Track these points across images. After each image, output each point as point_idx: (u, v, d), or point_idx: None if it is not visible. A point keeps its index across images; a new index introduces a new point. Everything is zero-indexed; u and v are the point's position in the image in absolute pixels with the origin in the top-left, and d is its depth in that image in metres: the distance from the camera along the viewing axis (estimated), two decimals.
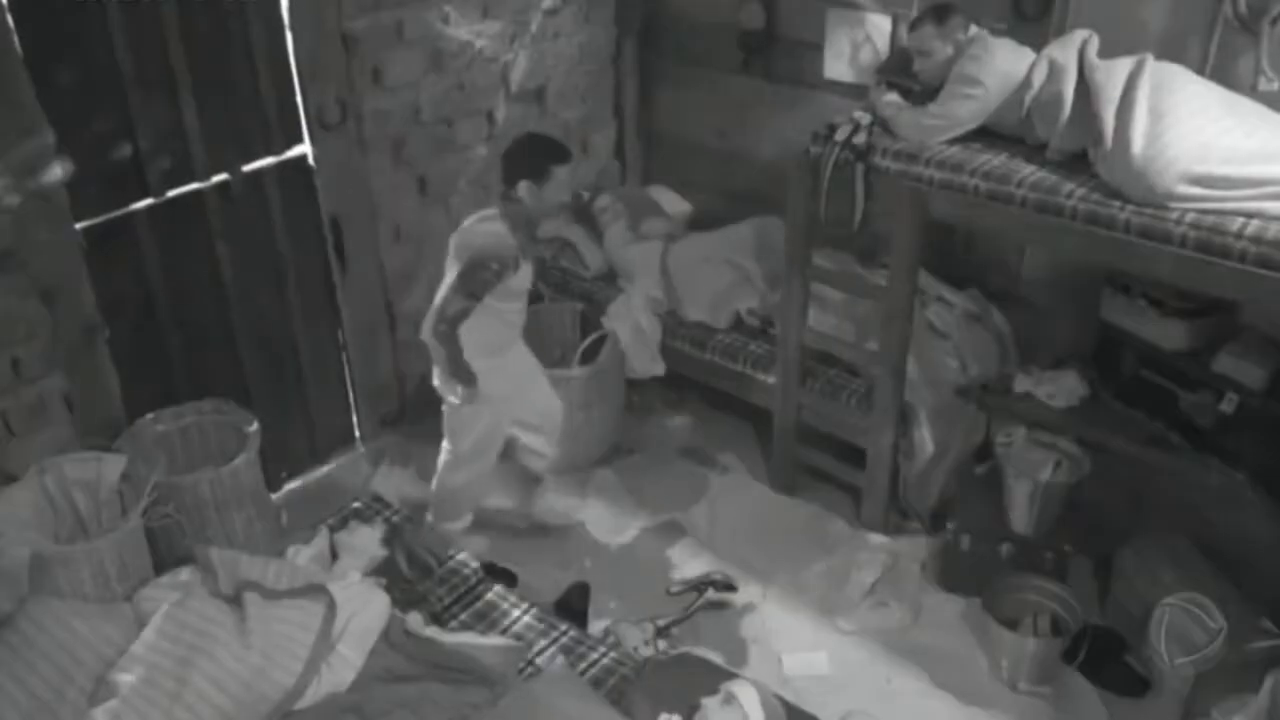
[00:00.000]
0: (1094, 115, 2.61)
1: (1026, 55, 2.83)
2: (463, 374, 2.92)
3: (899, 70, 3.11)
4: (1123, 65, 2.64)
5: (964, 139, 2.88)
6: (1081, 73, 2.69)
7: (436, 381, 3.04)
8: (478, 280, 2.81)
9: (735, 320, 3.67)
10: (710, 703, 2.26)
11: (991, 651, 2.91)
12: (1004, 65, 2.81)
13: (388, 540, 2.85)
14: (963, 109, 2.85)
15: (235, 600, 2.49)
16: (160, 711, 2.26)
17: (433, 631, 2.59)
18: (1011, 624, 2.86)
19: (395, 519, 2.99)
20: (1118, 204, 2.54)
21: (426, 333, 2.97)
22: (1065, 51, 2.73)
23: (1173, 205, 2.47)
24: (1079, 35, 2.74)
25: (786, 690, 2.77)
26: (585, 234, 3.98)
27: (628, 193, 4.18)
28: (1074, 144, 2.71)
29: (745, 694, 2.25)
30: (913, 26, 3.02)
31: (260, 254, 3.29)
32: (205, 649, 2.35)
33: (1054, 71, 2.72)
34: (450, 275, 2.87)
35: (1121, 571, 2.95)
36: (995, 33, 2.94)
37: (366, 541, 2.82)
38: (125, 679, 2.30)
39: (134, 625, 2.46)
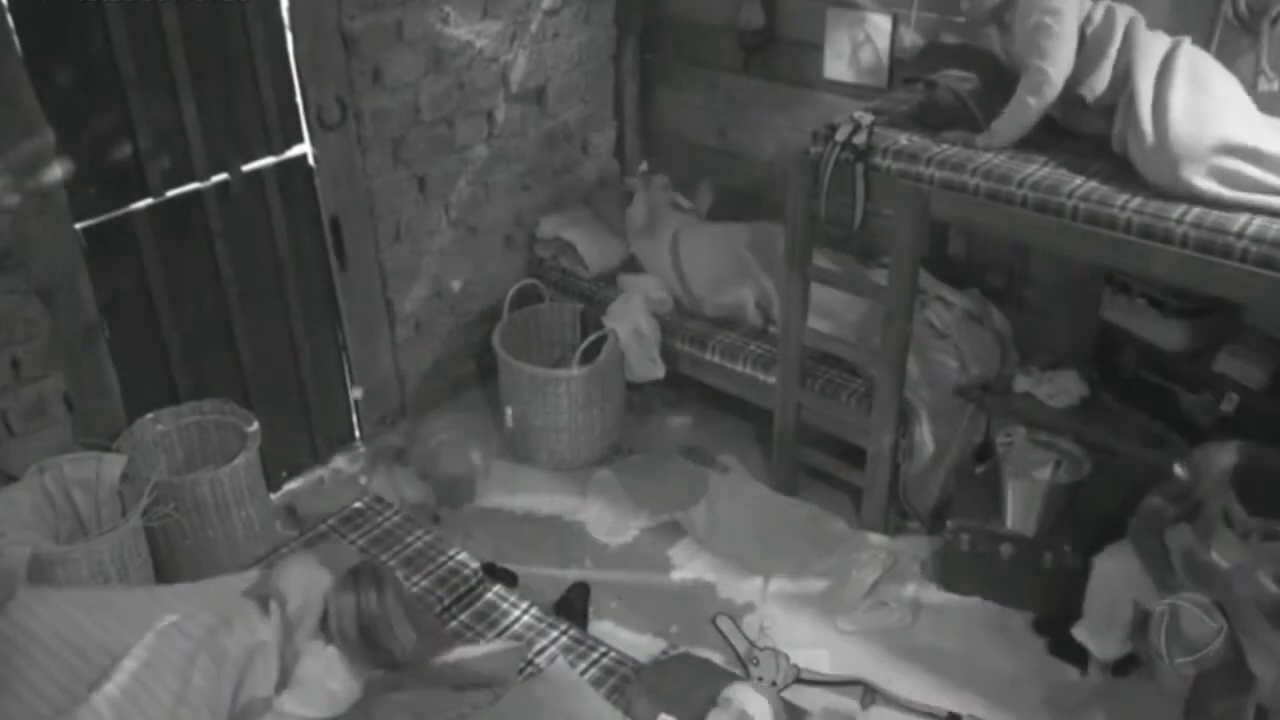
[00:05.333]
0: (1132, 76, 2.60)
1: None
2: None
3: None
4: (1162, 38, 2.65)
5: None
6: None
7: None
8: None
9: (740, 309, 3.66)
10: (717, 715, 2.22)
11: None
12: None
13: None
14: (1061, 50, 2.66)
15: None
16: (162, 710, 2.25)
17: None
18: None
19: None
20: (1119, 204, 2.54)
21: None
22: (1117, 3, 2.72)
23: (1198, 184, 2.47)
24: (1128, 8, 2.73)
25: (785, 690, 2.77)
26: (585, 234, 3.98)
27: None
28: (1111, 97, 2.67)
29: (754, 705, 2.23)
30: None
31: (260, 254, 3.29)
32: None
33: (1108, 13, 2.68)
34: None
35: None
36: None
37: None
38: (129, 665, 2.29)
39: (138, 617, 2.44)
